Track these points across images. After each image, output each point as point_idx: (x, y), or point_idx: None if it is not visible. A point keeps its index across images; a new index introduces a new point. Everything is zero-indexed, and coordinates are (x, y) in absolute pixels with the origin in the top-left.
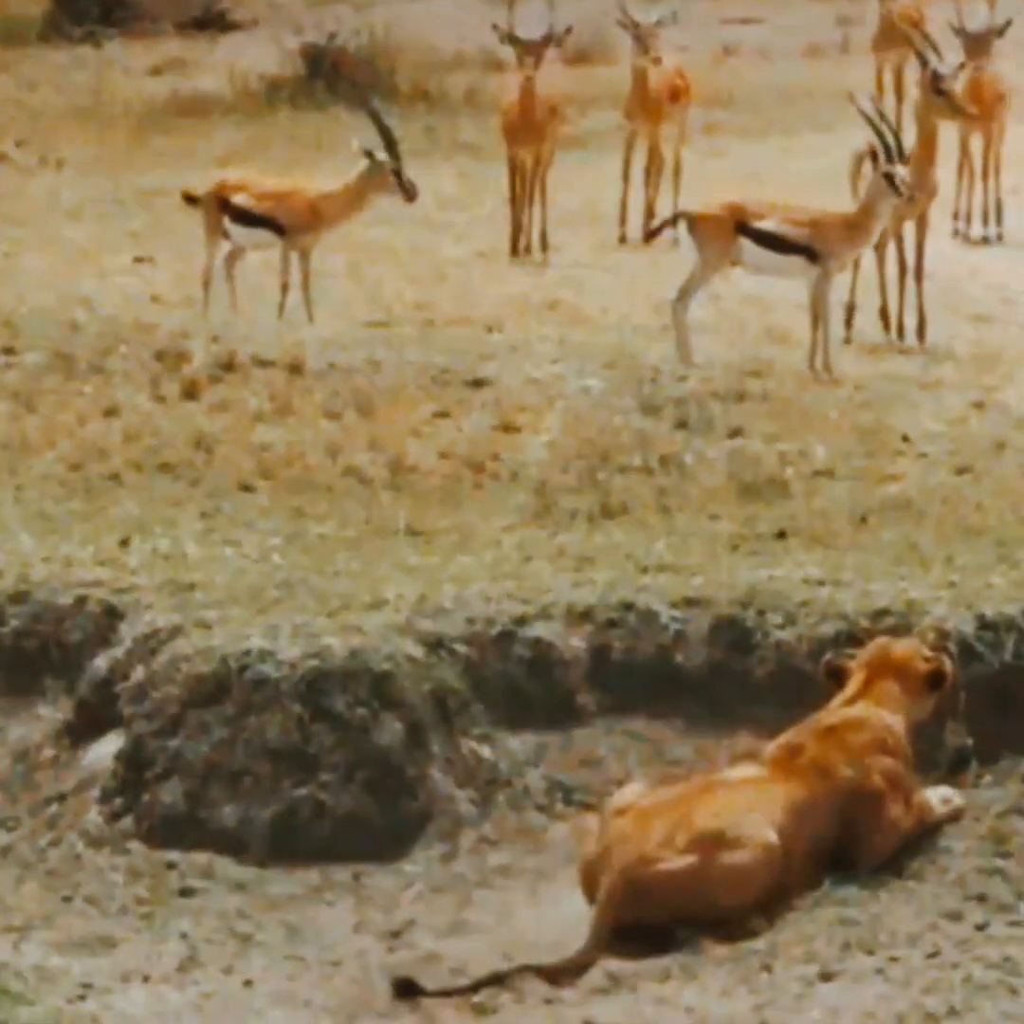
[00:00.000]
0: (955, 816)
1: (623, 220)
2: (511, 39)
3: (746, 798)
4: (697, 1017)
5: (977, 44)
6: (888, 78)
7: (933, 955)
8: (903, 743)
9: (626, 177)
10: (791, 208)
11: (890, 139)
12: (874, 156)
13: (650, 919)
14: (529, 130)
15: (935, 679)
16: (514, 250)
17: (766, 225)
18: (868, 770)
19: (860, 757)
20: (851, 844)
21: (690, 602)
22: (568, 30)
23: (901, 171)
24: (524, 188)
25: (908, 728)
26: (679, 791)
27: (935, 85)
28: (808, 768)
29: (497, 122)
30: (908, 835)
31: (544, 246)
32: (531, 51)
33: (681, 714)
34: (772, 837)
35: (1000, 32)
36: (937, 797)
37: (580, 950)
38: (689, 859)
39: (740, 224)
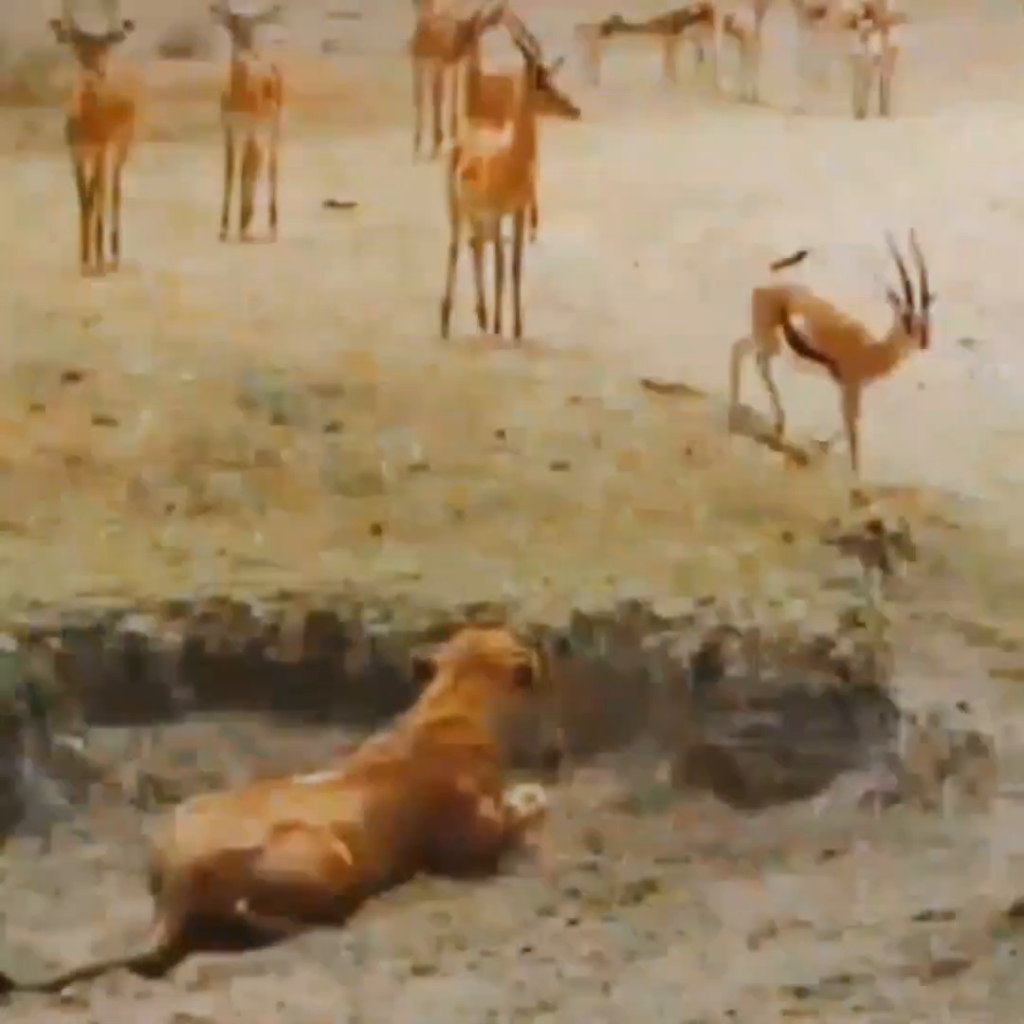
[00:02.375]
0: (539, 815)
1: (225, 216)
2: (73, 36)
3: (320, 798)
4: (289, 1011)
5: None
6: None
7: (526, 950)
8: (492, 740)
9: (228, 172)
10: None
11: (913, 278)
12: (892, 296)
13: (217, 910)
14: (91, 131)
15: (523, 674)
16: (85, 255)
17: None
18: (457, 769)
19: (448, 756)
20: (444, 843)
21: (285, 596)
22: (128, 24)
23: (919, 314)
24: (92, 190)
25: (498, 724)
26: (254, 790)
27: (539, 80)
28: (394, 769)
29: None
30: (501, 833)
31: (115, 248)
32: (91, 49)
33: (276, 709)
34: (337, 842)
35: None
36: (520, 795)
37: (156, 944)
38: (254, 850)
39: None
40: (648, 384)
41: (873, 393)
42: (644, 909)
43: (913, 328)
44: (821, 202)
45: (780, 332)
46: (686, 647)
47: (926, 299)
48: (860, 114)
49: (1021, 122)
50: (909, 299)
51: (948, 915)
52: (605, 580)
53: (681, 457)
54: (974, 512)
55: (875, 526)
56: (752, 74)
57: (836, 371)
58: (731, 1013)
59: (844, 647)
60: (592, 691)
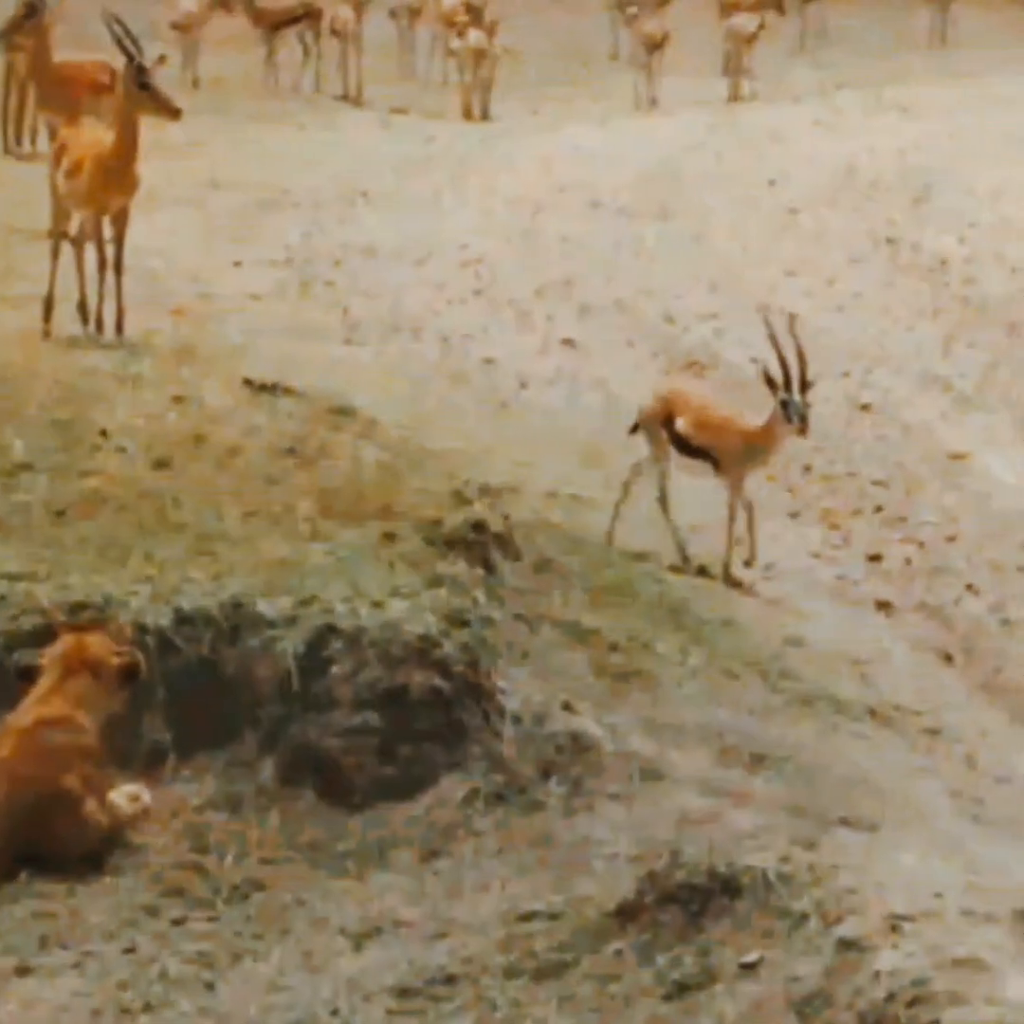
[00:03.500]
0: (143, 813)
1: None
2: None
3: None
4: None
5: None
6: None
7: (129, 950)
8: (96, 739)
9: None
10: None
11: (791, 364)
12: (770, 381)
13: None
14: None
15: (128, 673)
16: None
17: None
18: (61, 768)
19: (53, 755)
20: (48, 842)
21: None
22: None
23: (797, 400)
24: None
25: (102, 723)
26: None
27: (138, 79)
28: None
29: None
30: (105, 832)
31: None
32: None
33: None
34: None
35: None
36: (124, 794)
37: None
38: None
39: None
40: (250, 382)
41: (477, 392)
42: (249, 909)
43: (790, 414)
44: (423, 201)
45: (665, 437)
46: (289, 646)
47: (804, 385)
48: (465, 114)
49: (620, 123)
50: (787, 385)
51: (553, 915)
52: (209, 578)
53: (284, 456)
54: (576, 511)
55: (478, 525)
56: (353, 73)
57: (717, 466)
58: (335, 1013)
59: (448, 647)
60: (195, 690)
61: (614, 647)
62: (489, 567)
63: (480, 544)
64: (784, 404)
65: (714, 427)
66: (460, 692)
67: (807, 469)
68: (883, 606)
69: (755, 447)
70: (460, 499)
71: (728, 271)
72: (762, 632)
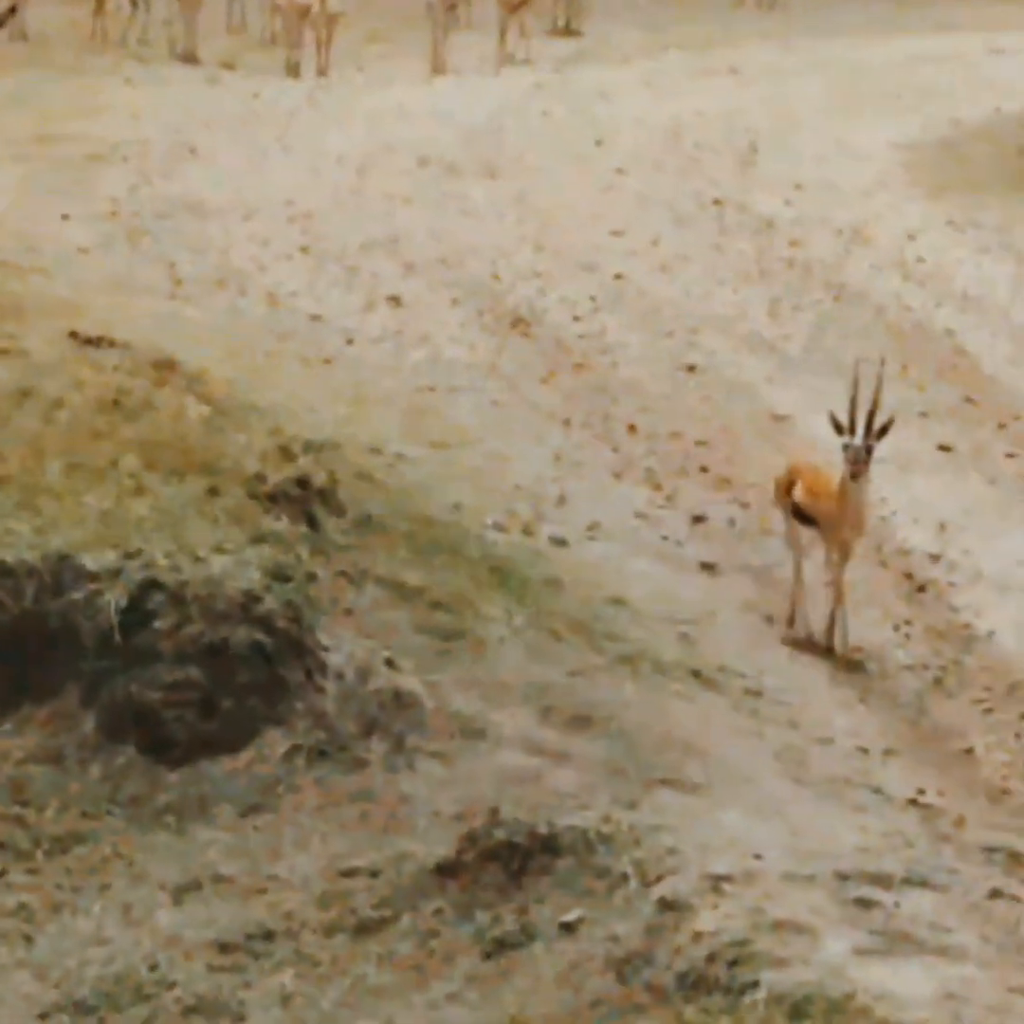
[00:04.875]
0: None
1: None
2: None
3: None
4: None
5: None
6: None
7: None
8: None
9: None
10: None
11: (859, 412)
12: (837, 425)
13: None
14: None
15: None
16: None
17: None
18: None
19: None
20: None
21: None
22: None
23: (857, 444)
24: None
25: None
26: None
27: None
28: None
29: None
30: None
31: None
32: None
33: None
34: None
35: None
36: None
37: None
38: None
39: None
40: (75, 336)
41: (303, 348)
42: (69, 862)
43: (846, 458)
44: (250, 158)
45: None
46: (112, 600)
47: (869, 430)
48: (292, 71)
49: (444, 83)
50: (852, 429)
51: (373, 872)
52: (32, 531)
53: (109, 409)
54: (401, 469)
55: (302, 481)
56: (182, 29)
57: (820, 532)
58: (154, 967)
59: (271, 602)
60: (18, 643)
61: (438, 605)
62: (313, 523)
63: (304, 500)
64: (844, 448)
65: (817, 492)
66: (282, 648)
67: (632, 429)
68: (707, 567)
69: (839, 509)
70: (285, 455)
71: (554, 230)
72: (586, 592)
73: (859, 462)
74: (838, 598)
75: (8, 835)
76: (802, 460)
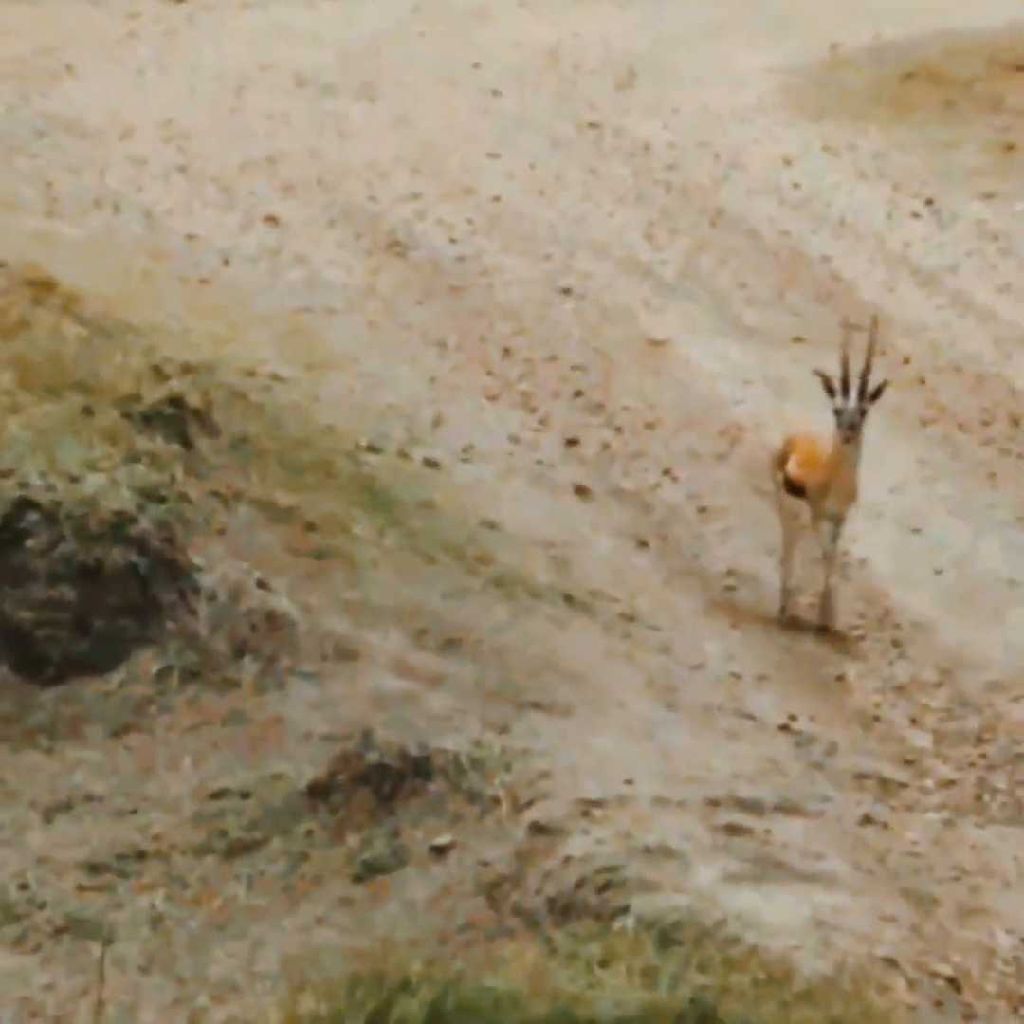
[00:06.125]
0: None
1: None
2: None
3: None
4: None
5: None
6: None
7: None
8: None
9: None
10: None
11: (854, 371)
12: (828, 387)
13: None
14: None
15: None
16: None
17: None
18: None
19: None
20: None
21: None
22: None
23: (851, 407)
24: None
25: None
26: None
27: None
28: None
29: None
30: None
31: None
32: None
33: None
34: None
35: None
36: None
37: None
38: None
39: None
40: None
41: (179, 268)
42: None
43: (841, 422)
44: (127, 76)
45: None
46: None
47: (863, 393)
48: None
49: (323, 5)
50: (845, 391)
51: (244, 793)
52: None
53: None
54: (276, 390)
55: (177, 402)
56: None
57: (809, 503)
58: (24, 886)
59: (144, 522)
60: None
61: (311, 526)
62: (187, 444)
63: (178, 420)
64: (837, 412)
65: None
66: (155, 568)
67: (506, 352)
68: (580, 491)
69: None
70: (159, 375)
71: (431, 152)
72: (459, 515)
73: (854, 426)
74: (830, 571)
75: None
76: (799, 432)
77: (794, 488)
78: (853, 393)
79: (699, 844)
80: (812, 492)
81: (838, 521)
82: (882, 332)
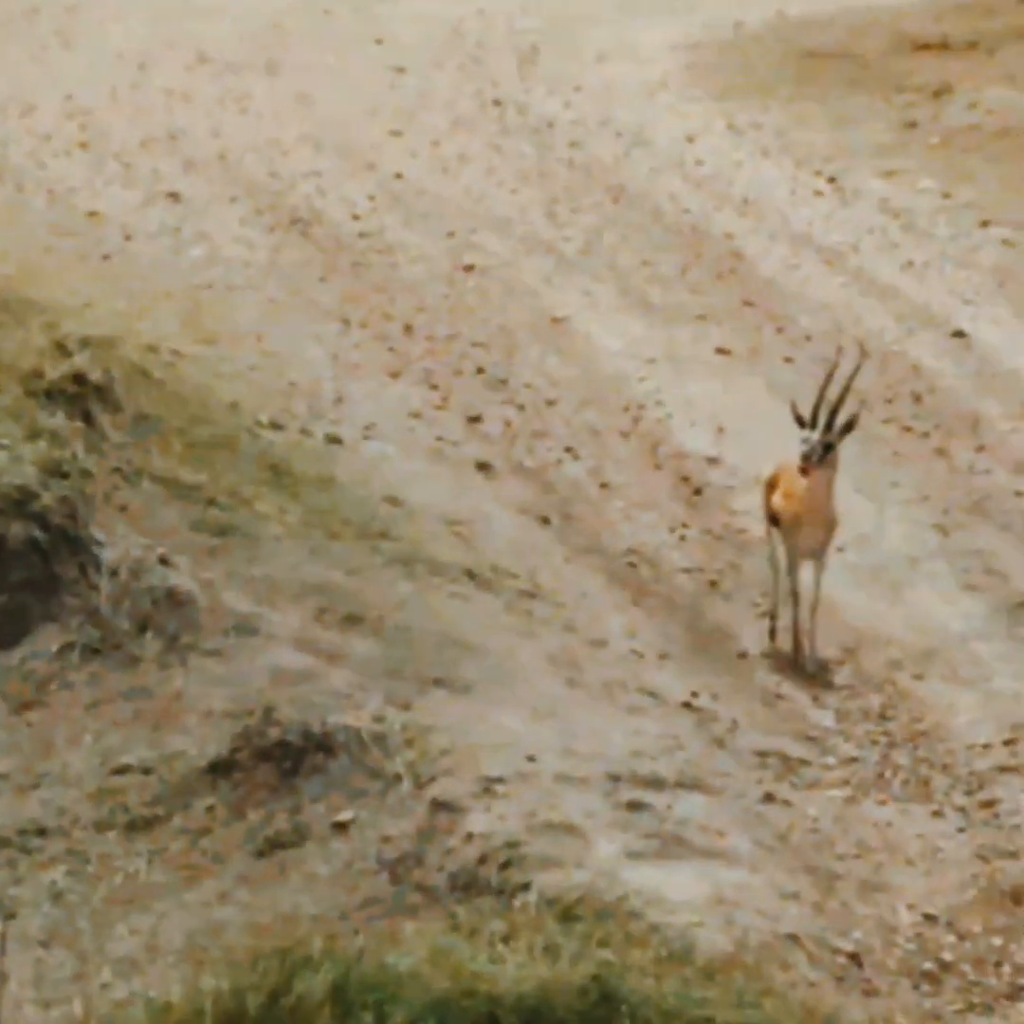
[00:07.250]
0: None
1: None
2: None
3: None
4: None
5: None
6: None
7: None
8: None
9: None
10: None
11: (823, 405)
12: (799, 419)
13: None
14: None
15: None
16: None
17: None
18: None
19: None
20: None
21: None
22: None
23: (814, 439)
24: None
25: None
26: None
27: None
28: None
29: None
30: None
31: None
32: None
33: None
34: None
35: None
36: None
37: None
38: None
39: None
40: None
41: (81, 244)
42: None
43: (805, 454)
44: (29, 52)
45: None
46: None
47: (830, 426)
48: None
49: None
50: (813, 423)
51: (146, 769)
52: None
53: None
54: (178, 366)
55: (79, 378)
56: None
57: (782, 535)
58: None
59: (46, 498)
60: None
61: (212, 502)
62: (89, 420)
63: (80, 396)
64: (803, 443)
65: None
66: (57, 544)
67: (408, 329)
68: (483, 468)
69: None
70: (61, 351)
71: (333, 129)
72: (362, 491)
73: (810, 457)
74: (798, 608)
75: None
76: (790, 463)
77: (775, 520)
78: (820, 425)
79: (601, 821)
80: (785, 524)
81: (815, 556)
82: (783, 306)
